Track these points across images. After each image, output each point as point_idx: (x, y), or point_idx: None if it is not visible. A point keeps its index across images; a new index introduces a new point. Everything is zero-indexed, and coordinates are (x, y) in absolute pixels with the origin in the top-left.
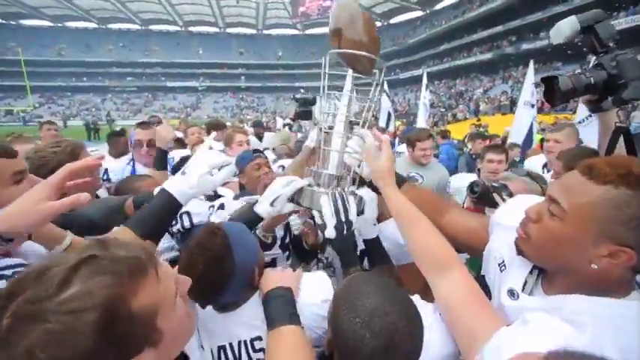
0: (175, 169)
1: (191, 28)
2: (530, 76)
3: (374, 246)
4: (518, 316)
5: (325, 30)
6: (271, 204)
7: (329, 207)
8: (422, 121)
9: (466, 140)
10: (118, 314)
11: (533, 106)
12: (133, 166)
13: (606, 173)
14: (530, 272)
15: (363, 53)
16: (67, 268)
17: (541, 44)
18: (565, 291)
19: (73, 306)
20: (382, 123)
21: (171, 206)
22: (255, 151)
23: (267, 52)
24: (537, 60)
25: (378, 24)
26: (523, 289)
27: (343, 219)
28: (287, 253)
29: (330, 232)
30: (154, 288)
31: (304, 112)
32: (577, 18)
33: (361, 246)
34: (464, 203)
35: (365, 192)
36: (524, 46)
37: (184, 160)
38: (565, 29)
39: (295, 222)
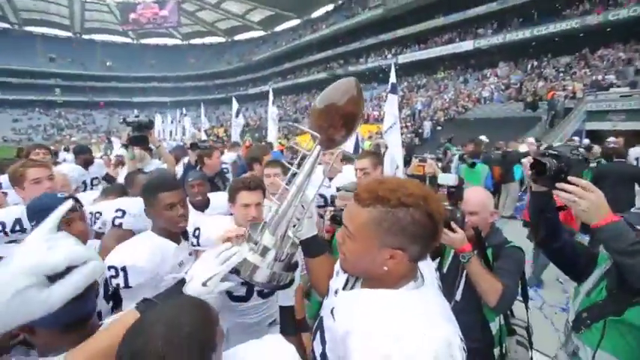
0: None
1: None
2: None
3: (288, 315)
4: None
5: (165, 40)
6: (203, 284)
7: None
8: (273, 135)
9: None
10: None
11: None
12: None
13: (366, 198)
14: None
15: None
16: None
17: (362, 68)
18: (372, 287)
19: None
20: (235, 138)
21: None
22: (72, 198)
23: (92, 61)
24: (360, 80)
25: (222, 40)
26: (344, 288)
27: None
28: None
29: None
30: None
31: (139, 137)
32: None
33: None
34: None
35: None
36: (350, 69)
37: None
38: None
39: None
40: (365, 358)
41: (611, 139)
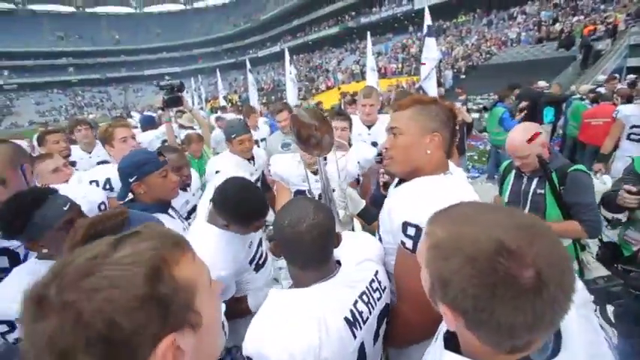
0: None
1: None
2: (369, 46)
3: None
4: None
5: (168, 7)
6: None
7: None
8: (292, 97)
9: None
10: (162, 274)
11: (374, 70)
12: None
13: (406, 103)
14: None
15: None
16: (114, 239)
17: (375, 18)
18: None
19: (126, 261)
20: (253, 102)
21: None
22: (159, 154)
23: (99, 36)
24: (373, 32)
25: (226, 1)
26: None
27: None
28: None
29: None
30: (193, 266)
31: (173, 98)
32: None
33: None
34: None
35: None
36: (363, 20)
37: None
38: None
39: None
40: (398, 222)
41: None
